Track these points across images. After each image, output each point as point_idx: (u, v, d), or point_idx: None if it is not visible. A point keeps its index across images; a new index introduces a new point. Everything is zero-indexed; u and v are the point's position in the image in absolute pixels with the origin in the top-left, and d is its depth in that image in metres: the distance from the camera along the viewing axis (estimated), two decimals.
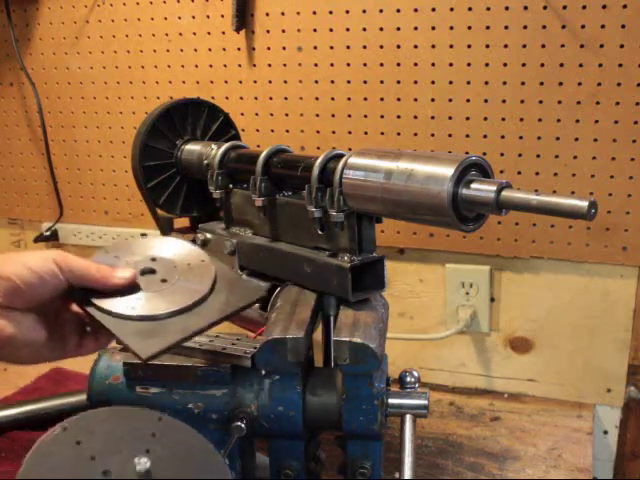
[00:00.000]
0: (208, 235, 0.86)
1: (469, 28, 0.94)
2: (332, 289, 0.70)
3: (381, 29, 0.99)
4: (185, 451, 0.48)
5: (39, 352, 0.61)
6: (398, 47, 0.98)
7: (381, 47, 0.99)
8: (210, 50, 1.10)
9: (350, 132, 1.05)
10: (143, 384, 0.67)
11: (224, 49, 1.09)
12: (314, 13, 1.02)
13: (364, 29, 1.00)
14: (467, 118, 0.98)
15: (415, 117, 1.00)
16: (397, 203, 0.62)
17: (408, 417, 0.66)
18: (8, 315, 0.57)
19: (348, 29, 1.00)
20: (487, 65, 0.95)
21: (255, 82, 1.09)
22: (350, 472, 0.67)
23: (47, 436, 0.46)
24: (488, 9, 0.92)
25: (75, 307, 0.64)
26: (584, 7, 0.88)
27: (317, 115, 1.06)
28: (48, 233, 1.31)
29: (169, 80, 1.15)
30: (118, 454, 0.45)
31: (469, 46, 0.95)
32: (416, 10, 0.96)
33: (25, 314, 0.58)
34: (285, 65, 1.06)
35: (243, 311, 0.65)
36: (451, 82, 0.97)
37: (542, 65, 0.92)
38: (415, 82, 0.99)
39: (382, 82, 1.01)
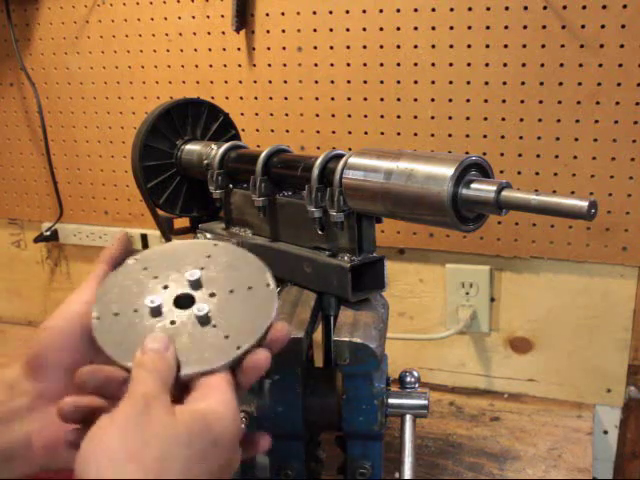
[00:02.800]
0: (208, 235, 0.86)
1: (469, 28, 0.94)
2: (332, 289, 0.70)
3: (381, 29, 0.99)
4: (234, 268, 0.54)
5: None
6: (398, 47, 0.98)
7: (381, 47, 0.99)
8: (210, 50, 1.10)
9: (350, 132, 1.05)
10: None
11: (224, 49, 1.09)
12: (314, 13, 1.02)
13: (364, 29, 1.00)
14: (467, 118, 0.98)
15: (415, 117, 1.00)
16: (397, 203, 0.62)
17: (408, 417, 0.66)
18: None
19: (348, 29, 1.00)
20: (487, 65, 0.95)
21: (255, 82, 1.09)
22: (350, 472, 0.67)
23: (119, 267, 0.55)
24: (488, 9, 0.92)
25: None
26: (584, 7, 0.88)
27: (317, 115, 1.06)
28: (48, 233, 1.31)
29: (169, 80, 1.15)
30: (177, 272, 0.53)
31: (469, 46, 0.95)
32: (416, 10, 0.96)
33: None
34: (285, 65, 1.06)
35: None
36: (451, 82, 0.97)
37: (542, 65, 0.92)
38: (415, 82, 0.99)
39: (382, 82, 1.01)
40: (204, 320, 0.50)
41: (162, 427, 0.42)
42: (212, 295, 0.52)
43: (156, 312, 0.50)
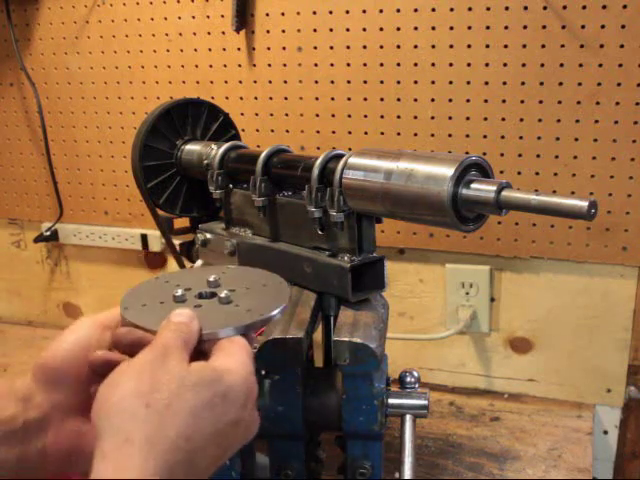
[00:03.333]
0: (208, 235, 0.86)
1: (469, 28, 0.94)
2: (332, 289, 0.70)
3: (381, 29, 0.99)
4: (250, 274, 0.61)
5: None
6: (398, 47, 0.98)
7: (381, 47, 0.99)
8: (210, 50, 1.10)
9: (350, 132, 1.05)
10: None
11: (224, 49, 1.09)
12: (314, 13, 1.02)
13: (364, 29, 1.00)
14: (467, 118, 0.98)
15: (415, 117, 1.00)
16: (397, 203, 0.62)
17: (408, 417, 0.66)
18: None
19: (348, 29, 1.00)
20: (487, 65, 0.95)
21: (255, 82, 1.09)
22: (350, 472, 0.67)
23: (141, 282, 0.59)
24: (488, 9, 0.92)
25: None
26: (584, 7, 0.88)
27: (317, 115, 1.06)
28: (48, 233, 1.31)
29: (169, 80, 1.15)
30: (197, 281, 0.58)
31: (469, 46, 0.95)
32: (416, 10, 0.96)
33: None
34: (285, 65, 1.06)
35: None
36: (451, 82, 0.97)
37: (542, 65, 0.92)
38: (415, 82, 0.99)
39: (382, 82, 1.01)
40: (226, 301, 0.54)
41: (174, 372, 0.45)
42: (231, 290, 0.56)
43: (180, 300, 0.55)
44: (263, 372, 0.65)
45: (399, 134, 1.02)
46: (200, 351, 0.50)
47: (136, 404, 0.42)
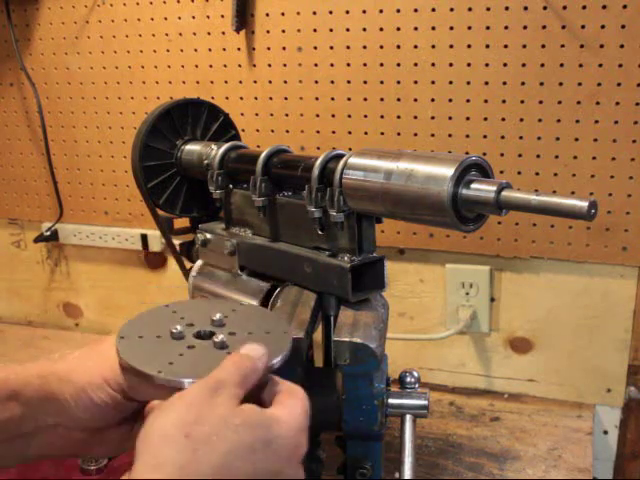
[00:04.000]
0: (208, 235, 0.86)
1: (469, 28, 0.94)
2: (332, 289, 0.70)
3: (381, 29, 0.99)
4: (257, 317, 0.60)
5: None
6: (398, 47, 0.98)
7: (381, 47, 0.99)
8: (210, 50, 1.10)
9: (350, 132, 1.05)
10: None
11: (224, 49, 1.09)
12: (314, 13, 1.02)
13: (364, 29, 1.00)
14: (467, 118, 0.98)
15: (415, 117, 1.00)
16: (397, 203, 0.62)
17: (408, 417, 0.66)
18: None
19: (348, 29, 1.00)
20: (487, 65, 0.95)
21: (255, 82, 1.09)
22: (350, 472, 0.67)
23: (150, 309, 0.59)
24: (488, 9, 0.92)
25: None
26: (584, 7, 0.88)
27: (317, 115, 1.06)
28: (48, 233, 1.31)
29: (169, 80, 1.15)
30: (203, 316, 0.57)
31: (469, 46, 0.95)
32: (416, 10, 0.96)
33: None
34: (285, 65, 1.06)
35: None
36: (451, 82, 0.97)
37: (542, 65, 0.92)
38: (415, 82, 0.99)
39: (382, 82, 1.01)
40: (221, 346, 0.53)
41: (221, 409, 0.44)
42: (232, 334, 0.55)
43: (177, 336, 0.53)
44: None
45: (399, 134, 1.02)
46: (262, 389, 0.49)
47: (176, 433, 0.42)
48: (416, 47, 0.97)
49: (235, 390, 0.46)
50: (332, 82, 1.04)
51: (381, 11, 0.98)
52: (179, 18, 1.10)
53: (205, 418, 0.43)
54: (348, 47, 1.01)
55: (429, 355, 1.13)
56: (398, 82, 1.00)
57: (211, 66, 1.11)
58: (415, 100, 1.00)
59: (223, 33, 1.08)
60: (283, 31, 1.04)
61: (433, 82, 0.98)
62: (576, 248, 0.99)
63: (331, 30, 1.02)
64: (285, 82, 1.07)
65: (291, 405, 0.47)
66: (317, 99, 1.05)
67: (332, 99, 1.05)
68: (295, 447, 0.46)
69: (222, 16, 1.07)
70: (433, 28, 0.96)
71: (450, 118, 0.99)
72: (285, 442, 0.45)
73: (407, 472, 0.64)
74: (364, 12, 0.99)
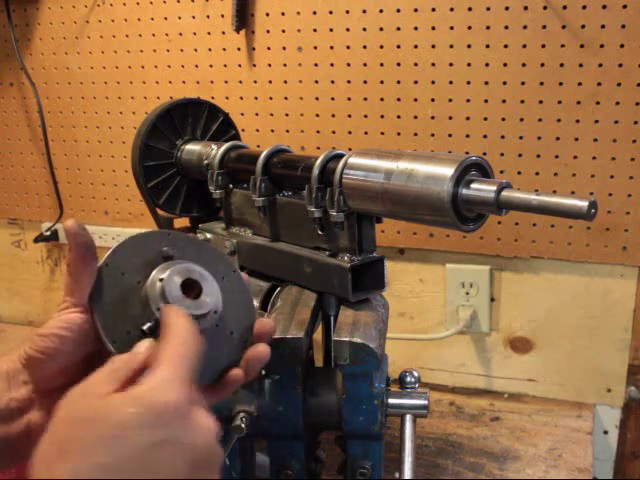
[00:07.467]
0: (208, 235, 0.86)
1: (469, 28, 0.94)
2: (332, 289, 0.70)
3: (381, 29, 0.99)
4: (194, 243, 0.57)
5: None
6: (398, 47, 0.98)
7: (381, 47, 0.99)
8: (210, 50, 1.10)
9: (350, 132, 1.05)
10: None
11: (224, 49, 1.09)
12: (314, 13, 1.02)
13: (364, 29, 1.00)
14: (467, 118, 0.98)
15: (415, 117, 1.00)
16: (397, 203, 0.62)
17: (408, 417, 0.66)
18: None
19: (348, 29, 1.00)
20: (487, 65, 0.95)
21: (255, 82, 1.09)
22: (350, 472, 0.67)
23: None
24: (488, 9, 0.92)
25: None
26: (584, 7, 0.88)
27: (317, 115, 1.06)
28: (48, 233, 1.31)
29: (169, 80, 1.15)
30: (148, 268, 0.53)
31: (469, 46, 0.95)
32: (416, 10, 0.96)
33: None
34: (285, 65, 1.06)
35: None
36: (451, 82, 0.97)
37: (542, 65, 0.92)
38: (415, 82, 0.99)
39: (382, 82, 1.01)
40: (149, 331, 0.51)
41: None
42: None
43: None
44: (263, 372, 0.65)
45: (399, 134, 1.02)
46: None
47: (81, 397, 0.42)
48: (416, 47, 0.97)
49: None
50: (332, 82, 1.04)
51: (381, 11, 0.98)
52: (179, 18, 1.10)
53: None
54: (348, 47, 1.01)
55: (429, 355, 1.13)
56: (398, 82, 1.00)
57: (211, 66, 1.11)
58: (415, 100, 1.00)
59: (223, 33, 1.08)
60: (283, 31, 1.04)
61: (433, 82, 0.98)
62: (576, 248, 0.99)
63: (331, 30, 1.02)
64: (285, 82, 1.07)
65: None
66: (317, 99, 1.05)
67: (332, 99, 1.05)
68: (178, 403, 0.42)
69: (222, 16, 1.07)
70: (433, 28, 0.96)
71: (450, 118, 0.99)
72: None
73: (407, 472, 0.64)
74: (364, 12, 0.99)
